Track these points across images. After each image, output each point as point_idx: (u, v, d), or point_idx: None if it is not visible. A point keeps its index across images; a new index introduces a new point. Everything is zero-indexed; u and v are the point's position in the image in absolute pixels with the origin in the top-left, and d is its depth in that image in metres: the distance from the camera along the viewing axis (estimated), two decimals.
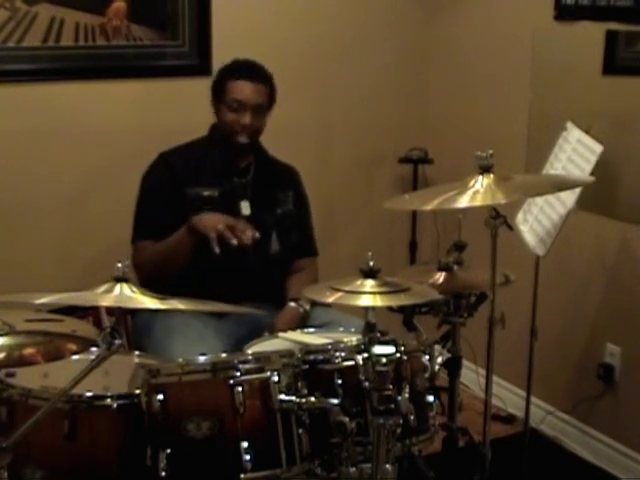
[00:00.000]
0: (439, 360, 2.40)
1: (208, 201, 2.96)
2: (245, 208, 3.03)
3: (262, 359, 2.09)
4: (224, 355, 2.22)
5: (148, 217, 3.01)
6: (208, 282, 2.83)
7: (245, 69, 3.01)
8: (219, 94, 3.02)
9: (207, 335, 2.77)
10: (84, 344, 1.97)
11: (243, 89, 2.96)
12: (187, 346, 2.63)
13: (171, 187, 2.98)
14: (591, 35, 3.23)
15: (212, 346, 2.65)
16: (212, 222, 2.76)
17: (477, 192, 2.41)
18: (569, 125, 3.09)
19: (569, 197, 2.92)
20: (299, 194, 3.19)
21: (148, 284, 2.28)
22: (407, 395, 2.14)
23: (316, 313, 2.93)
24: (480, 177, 2.44)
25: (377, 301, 2.15)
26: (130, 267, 2.06)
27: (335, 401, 2.04)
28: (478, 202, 2.39)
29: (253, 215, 3.02)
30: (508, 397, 3.70)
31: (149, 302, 1.96)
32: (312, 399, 2.04)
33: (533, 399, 3.23)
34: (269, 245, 3.04)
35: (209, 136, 3.11)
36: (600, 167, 2.89)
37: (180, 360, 2.16)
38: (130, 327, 2.95)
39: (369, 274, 2.19)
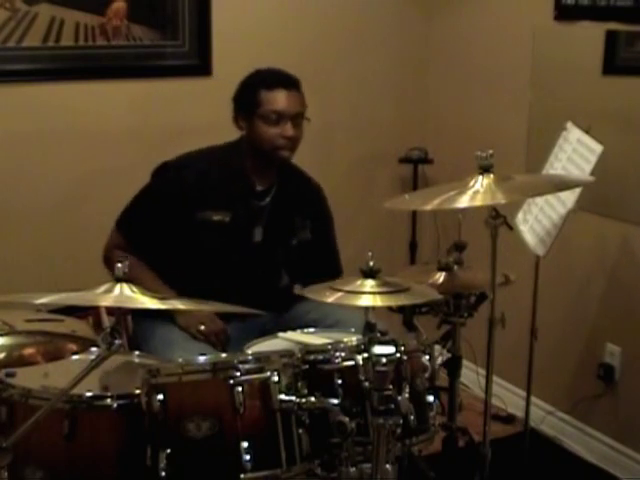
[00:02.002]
0: (439, 360, 2.40)
1: (217, 226, 2.81)
2: (258, 235, 2.88)
3: (262, 359, 2.09)
4: (224, 355, 2.23)
5: (141, 224, 2.86)
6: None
7: (276, 77, 2.82)
8: (250, 107, 2.79)
9: (206, 347, 2.71)
10: (84, 344, 1.98)
11: (280, 99, 2.77)
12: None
13: (180, 209, 2.80)
14: (591, 35, 3.23)
15: None
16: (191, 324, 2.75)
17: (477, 192, 2.41)
18: (569, 125, 3.09)
19: (569, 197, 2.92)
20: (320, 221, 3.01)
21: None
22: (407, 395, 2.13)
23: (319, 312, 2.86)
24: (480, 177, 2.44)
25: (377, 301, 2.15)
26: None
27: (335, 401, 2.04)
28: (478, 202, 2.39)
29: (264, 243, 2.89)
30: (508, 397, 3.69)
31: (149, 302, 1.95)
32: (312, 399, 2.03)
33: (533, 399, 3.23)
34: (279, 278, 2.95)
35: (235, 149, 2.87)
36: (600, 167, 2.89)
37: (180, 360, 2.16)
38: (130, 328, 2.94)
39: (369, 274, 2.19)
